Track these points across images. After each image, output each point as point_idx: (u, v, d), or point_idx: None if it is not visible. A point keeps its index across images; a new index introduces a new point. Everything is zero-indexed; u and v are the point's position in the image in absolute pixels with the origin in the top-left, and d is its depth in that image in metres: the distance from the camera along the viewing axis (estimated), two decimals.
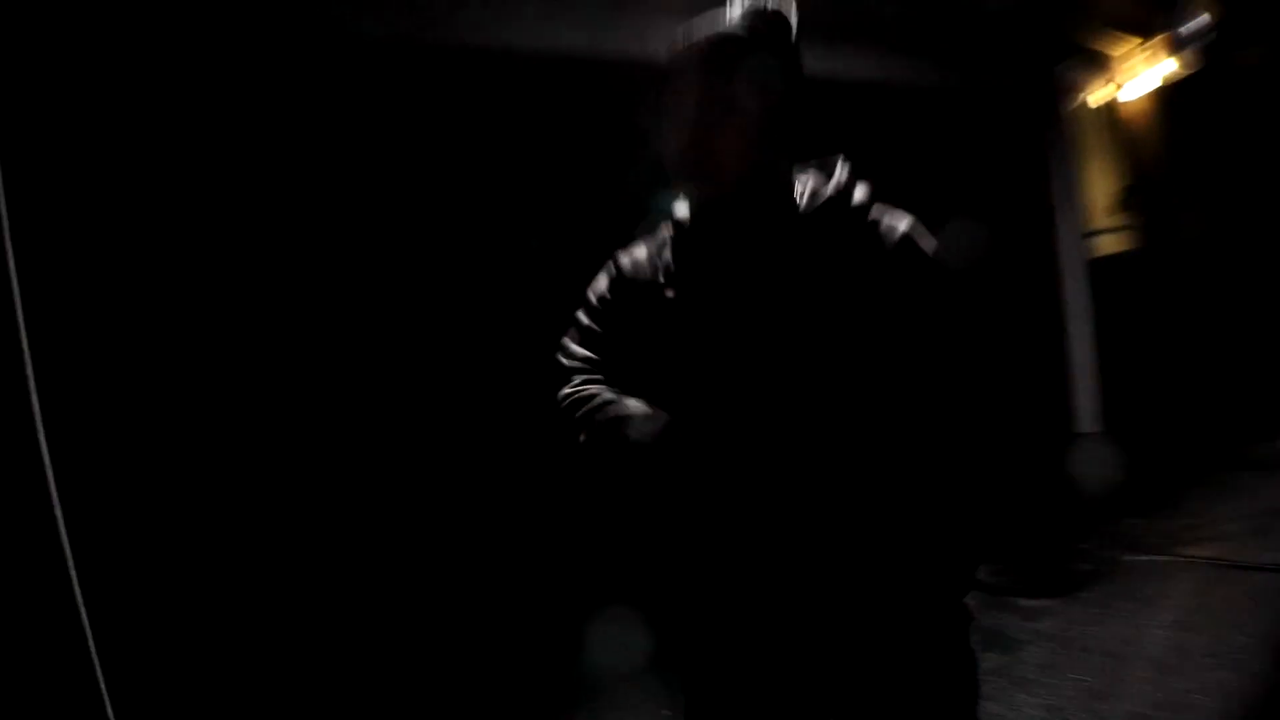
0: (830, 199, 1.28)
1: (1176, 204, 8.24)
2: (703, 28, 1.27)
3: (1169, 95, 8.74)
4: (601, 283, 1.43)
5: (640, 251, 1.40)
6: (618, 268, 1.40)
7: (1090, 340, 6.71)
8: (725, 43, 1.25)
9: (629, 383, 1.30)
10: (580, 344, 1.40)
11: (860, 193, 1.31)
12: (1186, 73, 8.20)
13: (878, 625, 1.21)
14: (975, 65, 6.24)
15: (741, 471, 1.20)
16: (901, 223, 1.28)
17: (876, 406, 1.18)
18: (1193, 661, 3.20)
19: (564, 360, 1.40)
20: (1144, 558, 4.15)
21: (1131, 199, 7.86)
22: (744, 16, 1.28)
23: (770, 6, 1.30)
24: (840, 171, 1.32)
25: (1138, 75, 8.05)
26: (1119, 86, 7.92)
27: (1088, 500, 5.01)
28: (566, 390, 1.34)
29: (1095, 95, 7.58)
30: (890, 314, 1.20)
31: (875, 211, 1.29)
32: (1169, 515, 4.76)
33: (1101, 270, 6.97)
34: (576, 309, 1.43)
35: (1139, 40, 8.09)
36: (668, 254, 1.36)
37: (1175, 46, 8.10)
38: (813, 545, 1.20)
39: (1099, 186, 7.68)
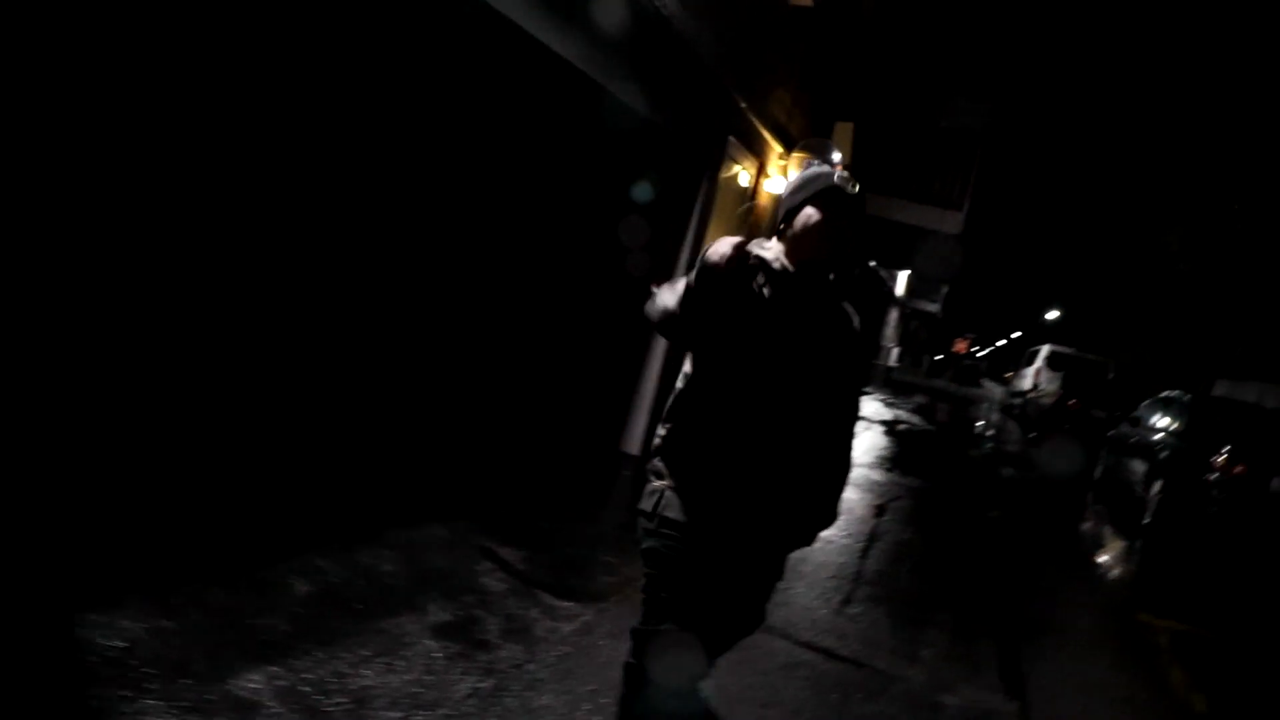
0: (858, 275, 2.25)
1: None
2: (838, 180, 2.08)
3: None
4: (704, 266, 2.01)
5: (737, 261, 1.97)
6: (726, 263, 1.95)
7: (657, 374, 6.96)
8: (858, 196, 2.10)
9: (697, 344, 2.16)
10: (670, 299, 2.13)
11: (874, 275, 3.06)
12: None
13: (785, 523, 2.21)
14: (680, 107, 6.37)
15: (757, 424, 2.06)
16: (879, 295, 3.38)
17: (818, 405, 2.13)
18: None
19: (650, 307, 2.22)
20: None
21: None
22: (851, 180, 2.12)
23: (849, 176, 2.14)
24: (867, 265, 3.04)
25: (778, 175, 8.80)
26: (766, 177, 8.59)
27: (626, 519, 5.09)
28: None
29: (746, 174, 8.13)
30: (862, 347, 2.22)
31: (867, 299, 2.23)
32: None
33: None
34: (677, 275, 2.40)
35: (787, 152, 8.90)
36: (762, 277, 2.09)
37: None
38: (769, 473, 2.08)
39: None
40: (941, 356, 40.51)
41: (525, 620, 3.47)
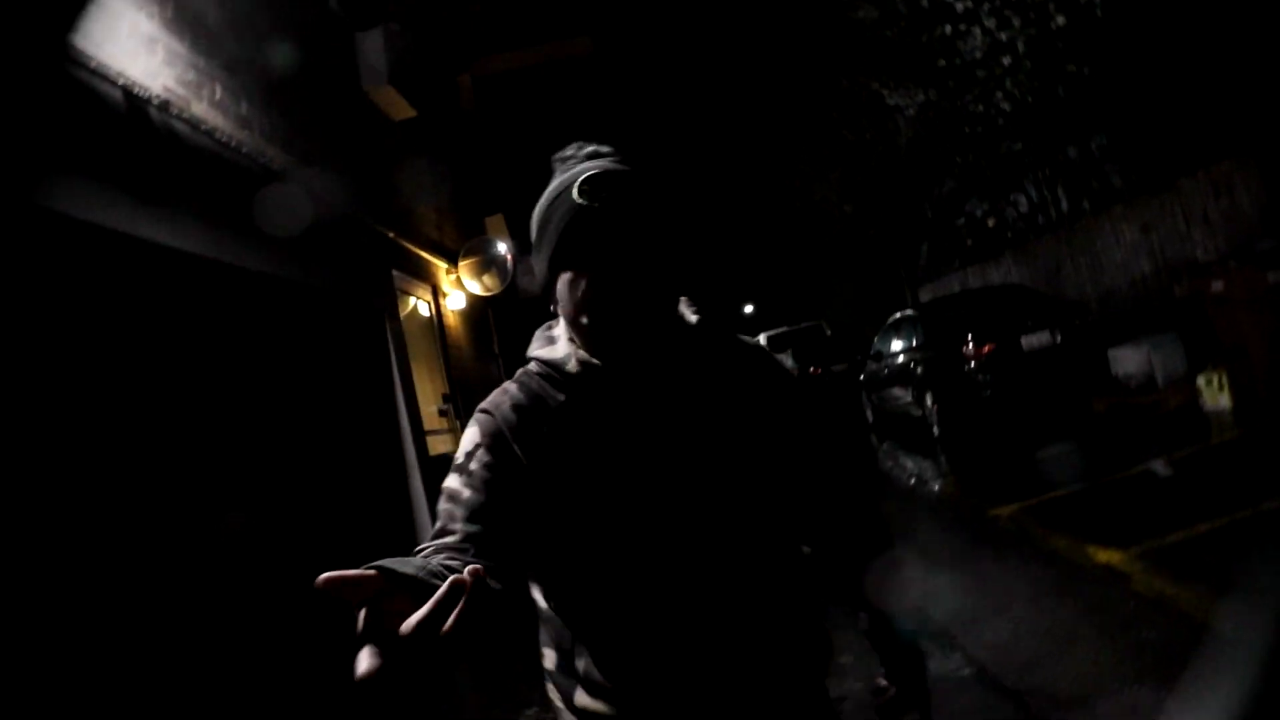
0: (698, 327, 1.42)
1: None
2: (579, 193, 1.24)
3: (482, 308, 9.58)
4: (481, 431, 1.36)
5: (521, 398, 1.37)
6: (503, 417, 1.35)
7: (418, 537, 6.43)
8: (624, 179, 1.26)
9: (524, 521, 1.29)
10: (466, 487, 1.30)
11: (709, 321, 1.45)
12: (491, 292, 9.05)
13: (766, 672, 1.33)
14: (332, 262, 5.97)
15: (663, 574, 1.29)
16: (757, 340, 1.53)
17: (770, 498, 1.36)
18: None
19: (446, 505, 1.30)
20: None
21: (449, 404, 8.15)
22: (612, 154, 1.33)
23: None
24: (689, 306, 1.44)
25: (455, 291, 8.64)
26: (444, 296, 8.38)
27: None
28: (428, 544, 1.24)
29: (425, 304, 7.87)
30: (772, 416, 1.39)
31: (728, 335, 1.47)
32: None
33: (435, 469, 6.85)
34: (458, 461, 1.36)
35: (453, 265, 8.78)
36: (561, 398, 1.36)
37: (483, 270, 8.94)
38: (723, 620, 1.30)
39: (428, 386, 7.82)
40: None
41: None
